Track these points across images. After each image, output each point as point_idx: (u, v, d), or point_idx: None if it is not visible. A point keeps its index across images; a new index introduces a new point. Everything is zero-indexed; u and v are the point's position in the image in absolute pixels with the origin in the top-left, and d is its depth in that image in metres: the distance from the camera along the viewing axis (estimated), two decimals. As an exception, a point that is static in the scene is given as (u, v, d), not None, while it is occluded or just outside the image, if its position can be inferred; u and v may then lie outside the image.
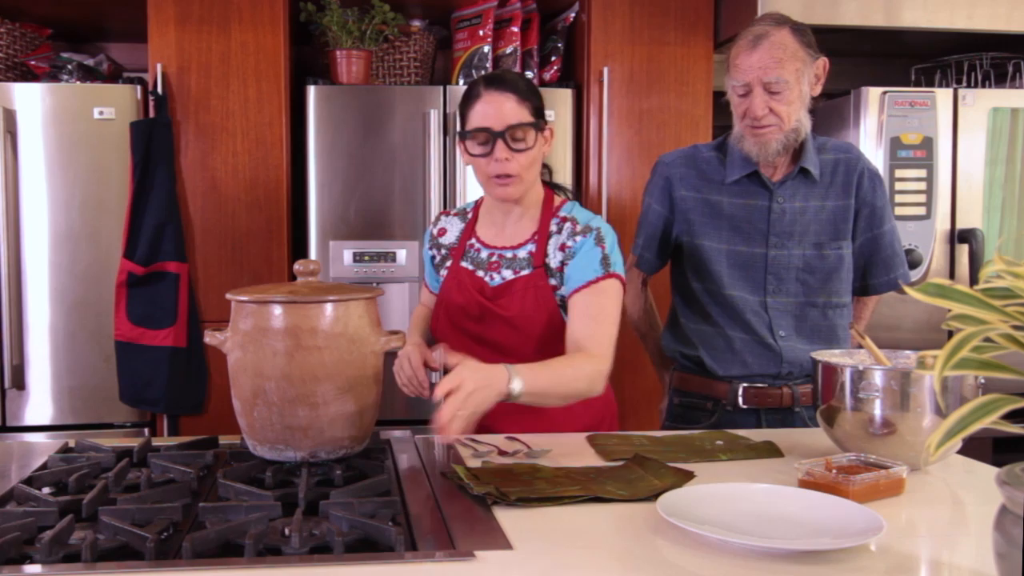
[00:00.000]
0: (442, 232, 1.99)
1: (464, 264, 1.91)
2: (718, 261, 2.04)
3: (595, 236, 1.82)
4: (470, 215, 1.97)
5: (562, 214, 1.88)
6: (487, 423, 1.86)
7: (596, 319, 1.77)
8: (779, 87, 1.89)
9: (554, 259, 1.84)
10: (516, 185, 1.80)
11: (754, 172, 2.02)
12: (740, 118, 1.97)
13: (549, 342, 1.83)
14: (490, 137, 1.77)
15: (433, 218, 2.02)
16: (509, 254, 1.89)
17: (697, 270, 2.07)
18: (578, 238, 1.83)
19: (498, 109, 1.77)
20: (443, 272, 1.95)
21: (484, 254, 1.90)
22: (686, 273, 2.10)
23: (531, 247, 1.87)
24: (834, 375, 1.57)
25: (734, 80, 1.94)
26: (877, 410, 1.50)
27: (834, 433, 1.59)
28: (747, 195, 2.04)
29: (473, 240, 1.93)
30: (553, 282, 1.84)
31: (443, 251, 1.96)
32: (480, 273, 1.88)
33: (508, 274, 1.87)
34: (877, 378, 1.50)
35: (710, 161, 2.09)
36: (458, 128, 1.86)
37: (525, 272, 1.85)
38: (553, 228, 1.87)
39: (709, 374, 2.06)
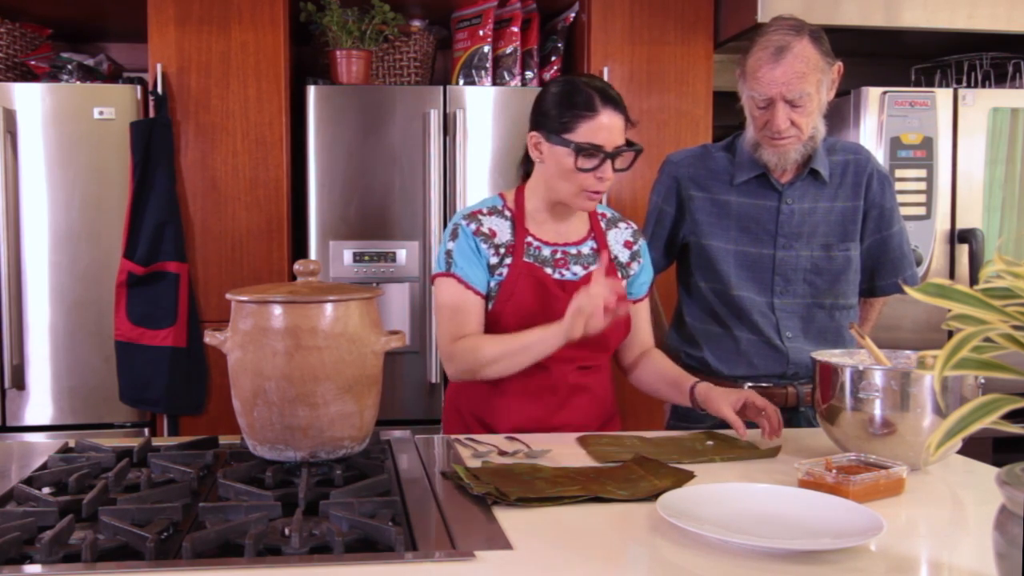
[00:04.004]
0: (493, 232, 1.88)
1: (528, 261, 1.87)
2: (725, 261, 2.04)
3: (645, 241, 2.02)
4: (508, 213, 1.91)
5: (600, 210, 1.98)
6: (494, 422, 1.86)
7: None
8: (801, 100, 1.88)
9: (622, 255, 1.96)
10: (600, 199, 1.85)
11: (763, 173, 2.02)
12: (758, 128, 1.95)
13: (622, 334, 1.94)
14: (601, 156, 1.76)
15: (460, 220, 1.89)
16: (573, 250, 1.90)
17: (704, 270, 2.07)
18: (640, 240, 2.00)
19: (614, 130, 1.77)
20: (501, 272, 1.86)
21: (547, 251, 1.88)
22: (693, 273, 2.10)
23: (592, 243, 1.92)
24: (834, 375, 1.57)
25: (754, 92, 1.90)
26: (877, 410, 1.50)
27: (834, 433, 1.59)
28: (756, 196, 2.04)
29: (529, 238, 1.89)
30: (619, 275, 1.93)
31: (501, 250, 1.87)
32: (548, 270, 1.87)
33: (578, 270, 1.89)
34: (877, 378, 1.50)
35: (719, 161, 2.09)
36: (547, 123, 1.79)
37: (595, 267, 1.89)
38: (602, 224, 1.96)
39: (714, 374, 2.06)
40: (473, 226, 1.88)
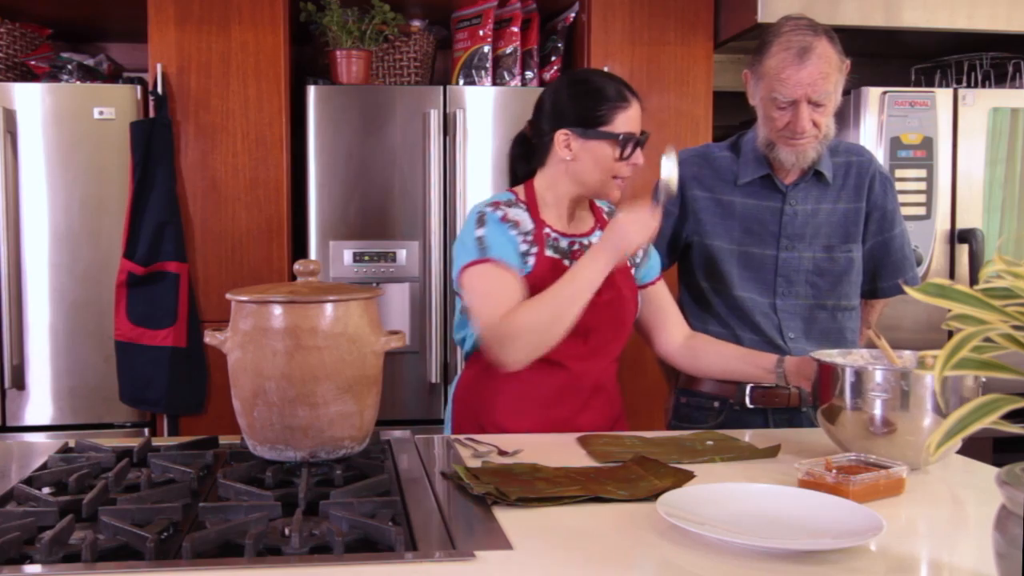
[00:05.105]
0: (517, 222, 1.85)
1: (549, 254, 1.85)
2: (728, 262, 2.04)
3: None
4: (523, 204, 1.88)
5: (598, 203, 1.99)
6: (503, 422, 1.86)
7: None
8: (824, 100, 1.89)
9: None
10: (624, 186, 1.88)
11: (767, 174, 2.02)
12: (778, 128, 1.94)
13: (631, 323, 1.96)
14: (634, 144, 1.81)
15: (484, 208, 1.85)
16: (585, 241, 1.91)
17: (707, 270, 2.07)
18: None
19: (639, 119, 1.84)
20: (528, 261, 1.83)
21: (564, 243, 1.88)
22: (695, 273, 2.10)
23: (600, 233, 1.92)
24: (833, 375, 1.57)
25: (778, 94, 1.90)
26: (877, 409, 1.50)
27: (834, 433, 1.59)
28: (759, 196, 2.04)
29: (547, 229, 1.87)
30: (627, 263, 1.93)
31: (528, 238, 1.84)
32: (567, 262, 1.86)
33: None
34: (877, 377, 1.50)
35: (723, 161, 2.09)
36: (578, 120, 1.80)
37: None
38: (604, 216, 1.97)
39: None
40: (500, 213, 1.85)
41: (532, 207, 1.88)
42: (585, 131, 1.80)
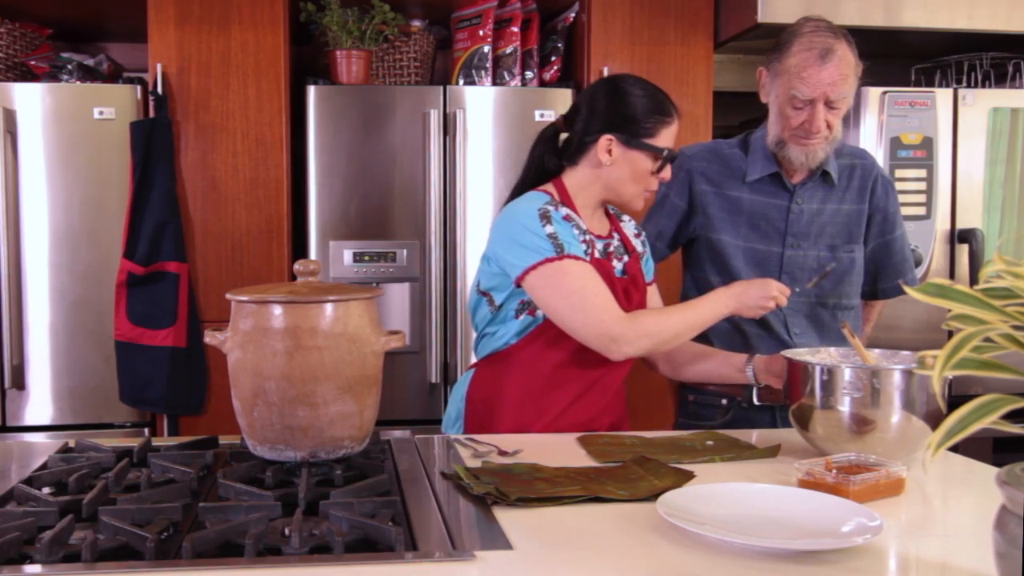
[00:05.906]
0: (576, 222, 1.81)
1: (597, 256, 1.84)
2: (735, 257, 2.05)
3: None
4: (565, 206, 1.83)
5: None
6: (524, 422, 1.84)
7: None
8: (840, 102, 1.92)
9: (637, 244, 1.98)
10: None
11: (776, 172, 2.03)
12: (791, 127, 1.95)
13: None
14: (669, 159, 1.82)
15: (545, 206, 1.78)
16: (611, 243, 1.91)
17: (714, 264, 2.08)
18: (641, 231, 2.01)
19: (676, 135, 1.85)
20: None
21: (600, 245, 1.87)
22: (703, 267, 2.11)
23: (617, 235, 1.93)
24: (804, 373, 1.57)
25: (796, 92, 1.91)
26: (846, 407, 1.51)
27: (804, 432, 1.59)
28: (767, 194, 2.05)
29: (587, 233, 1.86)
30: (639, 258, 1.96)
31: (586, 238, 1.82)
32: (613, 264, 1.88)
33: (616, 263, 1.90)
34: (846, 375, 1.51)
35: (732, 158, 2.10)
36: (629, 128, 1.79)
37: (626, 259, 1.92)
38: (617, 220, 1.98)
39: None
40: (562, 212, 1.80)
41: (572, 208, 1.84)
42: (630, 140, 1.79)
